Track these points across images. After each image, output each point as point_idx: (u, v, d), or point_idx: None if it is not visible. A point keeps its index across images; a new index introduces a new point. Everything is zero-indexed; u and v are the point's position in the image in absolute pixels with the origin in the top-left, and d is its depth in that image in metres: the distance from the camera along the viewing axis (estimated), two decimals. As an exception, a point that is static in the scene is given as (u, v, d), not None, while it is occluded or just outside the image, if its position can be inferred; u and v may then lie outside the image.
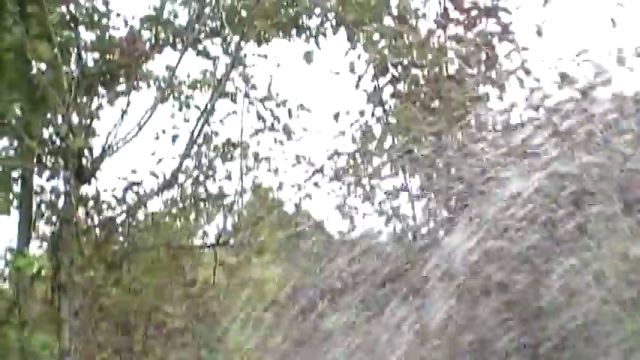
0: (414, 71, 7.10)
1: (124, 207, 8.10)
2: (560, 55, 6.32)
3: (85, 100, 7.74)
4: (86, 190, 7.92)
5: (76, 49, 7.70)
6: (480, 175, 4.81)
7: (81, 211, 7.77)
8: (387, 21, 7.42)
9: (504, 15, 6.77)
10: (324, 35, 7.87)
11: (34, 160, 7.57)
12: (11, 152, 7.75)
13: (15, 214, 7.90)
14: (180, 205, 8.42)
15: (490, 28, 6.82)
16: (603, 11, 6.10)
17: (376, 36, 7.25)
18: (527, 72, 6.47)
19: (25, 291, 7.50)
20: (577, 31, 6.29)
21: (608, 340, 3.84)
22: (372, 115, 7.35)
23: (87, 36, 7.81)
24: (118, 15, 7.89)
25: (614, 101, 4.81)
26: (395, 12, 7.41)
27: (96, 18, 7.74)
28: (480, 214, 4.22)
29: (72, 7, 7.66)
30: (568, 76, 6.09)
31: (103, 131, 7.90)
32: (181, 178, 8.19)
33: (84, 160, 7.68)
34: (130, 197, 8.18)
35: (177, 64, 7.97)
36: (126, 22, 7.94)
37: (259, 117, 8.17)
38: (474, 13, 6.84)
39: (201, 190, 8.34)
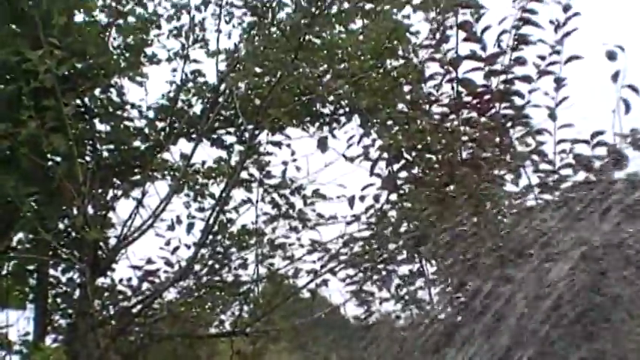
0: (428, 156, 7.11)
1: (140, 297, 8.06)
2: (574, 138, 6.34)
3: (100, 191, 7.77)
4: (102, 281, 7.91)
5: (91, 141, 7.76)
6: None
7: (96, 303, 7.73)
8: (400, 106, 7.46)
9: (517, 98, 6.79)
10: (338, 122, 7.91)
11: (50, 253, 7.56)
12: (27, 245, 7.75)
13: (30, 307, 7.89)
14: (196, 294, 8.37)
15: (504, 112, 6.84)
16: (615, 94, 6.11)
17: (389, 121, 7.28)
18: (542, 155, 6.47)
19: (41, 385, 7.43)
20: (591, 113, 6.29)
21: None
22: (387, 200, 7.34)
23: (102, 127, 7.87)
24: (133, 106, 7.97)
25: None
26: (407, 97, 7.45)
27: (110, 109, 7.80)
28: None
29: (87, 99, 7.73)
30: (583, 158, 6.10)
31: (119, 222, 7.95)
32: (197, 267, 8.15)
33: (99, 252, 7.69)
34: (146, 287, 8.15)
35: (192, 153, 8.01)
36: (140, 113, 8.01)
37: (274, 204, 8.16)
38: (486, 97, 6.86)
39: (216, 278, 8.30)
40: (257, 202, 8.14)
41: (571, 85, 6.51)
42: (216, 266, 8.21)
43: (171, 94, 8.15)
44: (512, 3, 6.70)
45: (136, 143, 8.01)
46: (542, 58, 6.65)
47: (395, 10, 7.59)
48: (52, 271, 7.94)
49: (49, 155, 7.38)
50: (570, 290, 4.02)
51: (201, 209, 8.26)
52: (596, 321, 3.98)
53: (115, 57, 7.76)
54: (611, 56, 6.11)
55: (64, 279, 7.99)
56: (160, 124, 8.11)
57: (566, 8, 6.54)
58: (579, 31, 6.56)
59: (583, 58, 6.53)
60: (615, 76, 6.10)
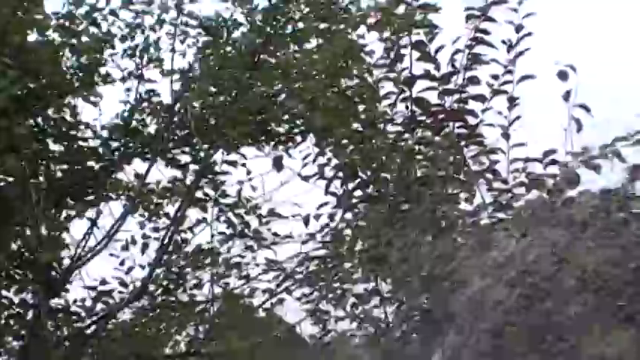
0: (383, 174, 7.16)
1: (94, 318, 8.00)
2: (527, 156, 6.40)
3: (53, 211, 7.71)
4: (55, 302, 7.84)
5: (44, 161, 7.70)
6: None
7: (50, 324, 7.66)
8: (355, 125, 7.50)
9: (471, 117, 6.86)
10: (293, 141, 7.92)
11: (2, 274, 7.49)
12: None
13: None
14: (151, 315, 8.33)
15: (458, 131, 6.91)
16: (568, 111, 6.19)
17: (345, 141, 7.32)
18: (496, 174, 6.53)
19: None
20: (544, 132, 6.37)
21: None
22: (342, 218, 7.38)
23: (55, 147, 7.82)
24: (87, 126, 7.92)
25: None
26: (362, 116, 7.49)
27: (64, 129, 7.75)
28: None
29: (40, 118, 7.69)
30: (536, 177, 6.17)
31: (73, 242, 7.89)
32: (151, 287, 8.11)
33: (53, 273, 7.63)
34: (100, 308, 8.09)
35: (147, 173, 7.97)
36: (94, 133, 7.96)
37: (229, 224, 8.15)
38: (440, 116, 6.92)
39: (171, 298, 8.26)
40: (212, 221, 8.12)
41: (524, 104, 6.59)
42: (171, 286, 8.17)
43: (126, 114, 8.10)
44: (466, 23, 6.78)
45: (90, 163, 7.95)
46: (496, 77, 6.73)
47: (349, 30, 7.62)
48: (4, 292, 7.85)
49: (1, 176, 7.31)
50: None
51: (155, 229, 8.22)
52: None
53: (68, 77, 7.71)
54: (563, 76, 6.19)
55: (16, 300, 7.91)
56: (114, 144, 8.06)
57: (519, 28, 6.63)
58: (531, 51, 6.64)
59: (535, 78, 6.62)
60: (567, 95, 6.18)
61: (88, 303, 8.04)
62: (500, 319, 4.01)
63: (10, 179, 7.41)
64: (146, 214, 8.19)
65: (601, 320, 4.07)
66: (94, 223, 7.91)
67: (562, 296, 4.08)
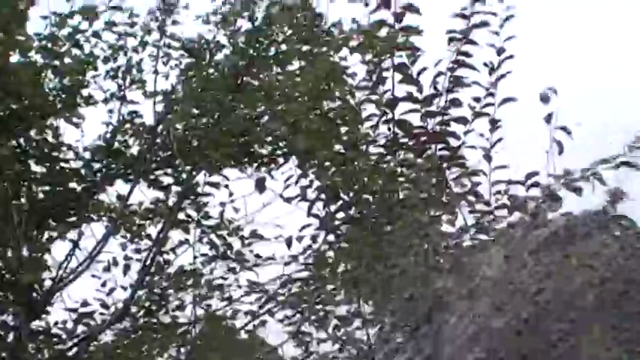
0: (365, 196, 7.18)
1: (75, 340, 7.97)
2: (509, 178, 6.44)
3: (35, 233, 7.69)
4: (36, 324, 7.80)
5: (26, 182, 7.69)
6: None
7: (31, 346, 7.62)
8: (337, 147, 7.52)
9: (453, 140, 6.89)
10: (276, 163, 7.94)
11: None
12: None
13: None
14: (133, 336, 8.29)
15: (440, 153, 6.94)
16: (550, 133, 6.23)
17: (327, 162, 7.34)
18: (478, 196, 6.56)
19: None
20: (526, 154, 6.41)
21: None
22: (325, 240, 7.39)
23: (37, 168, 7.80)
24: (69, 147, 7.91)
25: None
26: (345, 138, 7.51)
27: (46, 150, 7.74)
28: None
29: (22, 140, 7.68)
30: (518, 199, 6.19)
31: (54, 264, 7.86)
32: (133, 308, 8.08)
33: (34, 294, 7.60)
34: (81, 330, 8.06)
35: (129, 194, 7.97)
36: (77, 154, 7.96)
37: (212, 245, 8.14)
38: (422, 138, 6.95)
39: (153, 320, 8.24)
40: (194, 243, 8.11)
41: (506, 127, 6.63)
42: (153, 308, 8.15)
43: (108, 135, 8.10)
44: (448, 46, 6.83)
45: (72, 184, 7.94)
46: (477, 100, 6.78)
47: (332, 52, 7.66)
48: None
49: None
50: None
51: (137, 250, 8.20)
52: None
53: (50, 98, 7.71)
54: (544, 98, 6.23)
55: (-3, 322, 7.88)
56: (96, 165, 8.05)
57: (500, 51, 6.69)
58: (513, 74, 6.69)
59: (517, 100, 6.66)
60: (548, 118, 6.22)
61: (70, 325, 8.00)
62: (486, 342, 4.02)
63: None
64: (128, 235, 8.18)
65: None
66: (75, 244, 7.89)
67: (547, 318, 4.10)
